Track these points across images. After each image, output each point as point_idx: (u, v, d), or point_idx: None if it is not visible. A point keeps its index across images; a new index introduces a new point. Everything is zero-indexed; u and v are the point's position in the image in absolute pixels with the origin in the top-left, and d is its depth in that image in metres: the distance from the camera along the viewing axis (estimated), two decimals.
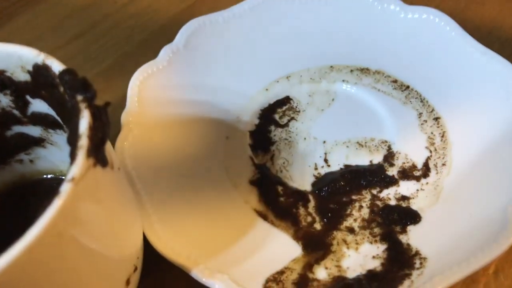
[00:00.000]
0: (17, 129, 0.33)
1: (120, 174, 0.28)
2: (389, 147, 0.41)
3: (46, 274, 0.22)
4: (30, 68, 0.28)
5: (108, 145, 0.26)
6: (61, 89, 0.26)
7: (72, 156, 0.23)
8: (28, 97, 0.30)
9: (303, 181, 0.40)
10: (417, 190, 0.38)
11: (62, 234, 0.22)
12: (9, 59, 0.28)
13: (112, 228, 0.27)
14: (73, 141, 0.23)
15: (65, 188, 0.21)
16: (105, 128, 0.24)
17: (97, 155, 0.23)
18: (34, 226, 0.20)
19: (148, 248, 0.33)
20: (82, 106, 0.24)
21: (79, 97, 0.24)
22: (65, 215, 0.21)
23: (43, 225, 0.20)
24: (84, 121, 0.23)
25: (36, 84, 0.28)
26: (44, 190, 0.36)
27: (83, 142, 0.23)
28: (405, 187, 0.38)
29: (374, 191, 0.38)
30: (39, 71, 0.27)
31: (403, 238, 0.35)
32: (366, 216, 0.37)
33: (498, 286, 0.34)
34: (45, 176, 0.37)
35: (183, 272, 0.32)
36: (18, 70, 0.28)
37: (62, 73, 0.25)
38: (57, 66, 0.26)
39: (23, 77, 0.28)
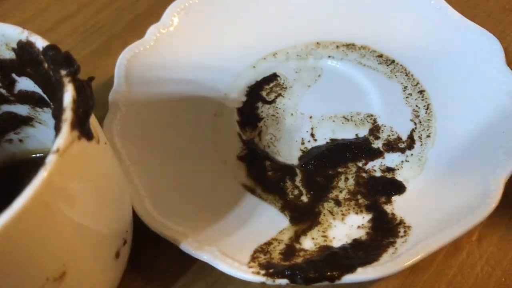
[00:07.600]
0: (5, 108, 0.34)
1: (107, 148, 0.29)
2: (375, 121, 0.41)
3: (34, 245, 0.23)
4: (15, 46, 0.28)
5: (94, 120, 0.26)
6: (46, 65, 0.26)
7: (57, 128, 0.23)
8: (14, 75, 0.30)
9: (290, 155, 0.40)
10: (402, 161, 0.38)
11: (49, 205, 0.22)
12: None
13: (99, 201, 0.27)
14: (57, 114, 0.24)
15: (50, 159, 0.22)
16: (89, 102, 0.25)
17: (82, 128, 0.24)
18: (20, 196, 0.21)
19: (138, 222, 0.33)
20: (66, 80, 0.24)
21: (63, 72, 0.25)
22: (51, 185, 0.22)
23: (29, 195, 0.21)
24: (68, 95, 0.24)
25: (21, 62, 0.29)
26: (33, 169, 0.36)
27: (67, 115, 0.23)
28: (390, 159, 0.39)
29: (360, 164, 0.39)
30: (24, 48, 0.27)
31: (387, 208, 0.36)
32: (352, 187, 0.37)
33: (481, 253, 0.35)
34: (34, 155, 0.37)
35: (173, 245, 0.33)
36: (2, 48, 0.28)
37: (46, 48, 0.26)
38: (40, 43, 0.26)
39: (8, 55, 0.29)
